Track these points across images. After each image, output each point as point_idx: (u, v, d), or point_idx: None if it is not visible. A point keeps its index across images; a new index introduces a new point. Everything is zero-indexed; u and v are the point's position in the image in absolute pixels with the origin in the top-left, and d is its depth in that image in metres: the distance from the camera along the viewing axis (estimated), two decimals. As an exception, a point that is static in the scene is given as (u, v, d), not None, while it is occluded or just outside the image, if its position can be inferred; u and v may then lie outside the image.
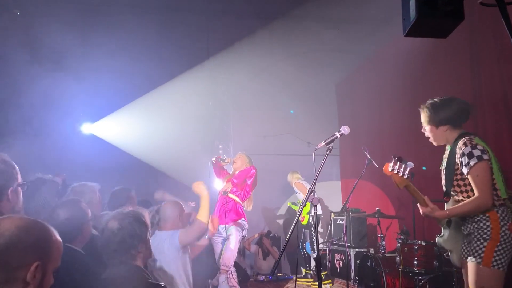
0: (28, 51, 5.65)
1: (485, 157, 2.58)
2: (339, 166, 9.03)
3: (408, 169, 2.68)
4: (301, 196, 7.15)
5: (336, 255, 6.86)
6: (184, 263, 3.52)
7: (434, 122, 2.82)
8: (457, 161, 2.70)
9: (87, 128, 7.51)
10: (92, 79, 6.49)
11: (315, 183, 2.83)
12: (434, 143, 2.92)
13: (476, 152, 2.59)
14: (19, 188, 2.07)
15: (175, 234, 3.51)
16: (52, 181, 3.47)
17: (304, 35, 7.47)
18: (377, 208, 5.31)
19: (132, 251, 2.29)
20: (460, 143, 2.69)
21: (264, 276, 7.05)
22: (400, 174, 2.66)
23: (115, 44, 6.37)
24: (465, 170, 2.63)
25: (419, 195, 2.75)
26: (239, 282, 5.56)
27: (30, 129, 5.76)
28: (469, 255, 2.62)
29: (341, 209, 6.68)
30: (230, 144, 8.77)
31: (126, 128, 7.57)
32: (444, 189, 2.83)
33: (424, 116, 2.88)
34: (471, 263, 2.59)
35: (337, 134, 2.96)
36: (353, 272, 6.15)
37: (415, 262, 4.36)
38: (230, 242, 5.18)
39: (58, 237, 1.49)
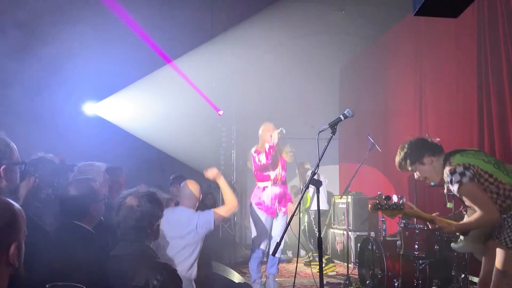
0: (28, 27, 5.57)
1: (464, 179, 2.61)
2: (335, 150, 8.98)
3: (393, 201, 2.77)
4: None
5: (336, 238, 6.91)
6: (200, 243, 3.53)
7: (417, 159, 2.85)
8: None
9: (91, 108, 7.48)
10: (94, 59, 6.43)
11: (318, 166, 2.81)
12: (434, 182, 2.93)
13: (456, 178, 2.64)
14: (16, 167, 1.99)
15: (209, 213, 3.49)
16: (48, 159, 3.42)
17: (309, 17, 7.37)
18: (379, 192, 5.30)
19: (148, 230, 2.31)
20: (444, 173, 2.76)
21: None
22: (387, 208, 2.75)
23: (118, 23, 6.28)
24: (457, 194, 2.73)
25: (422, 216, 2.82)
26: (240, 263, 5.61)
27: (32, 108, 5.72)
28: (501, 241, 2.63)
29: (343, 193, 6.68)
30: (233, 128, 8.75)
31: (127, 108, 7.54)
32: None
33: (405, 164, 2.90)
34: (500, 248, 2.62)
35: (342, 117, 2.92)
36: (354, 255, 6.20)
37: (416, 246, 4.38)
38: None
39: (17, 205, 1.40)
